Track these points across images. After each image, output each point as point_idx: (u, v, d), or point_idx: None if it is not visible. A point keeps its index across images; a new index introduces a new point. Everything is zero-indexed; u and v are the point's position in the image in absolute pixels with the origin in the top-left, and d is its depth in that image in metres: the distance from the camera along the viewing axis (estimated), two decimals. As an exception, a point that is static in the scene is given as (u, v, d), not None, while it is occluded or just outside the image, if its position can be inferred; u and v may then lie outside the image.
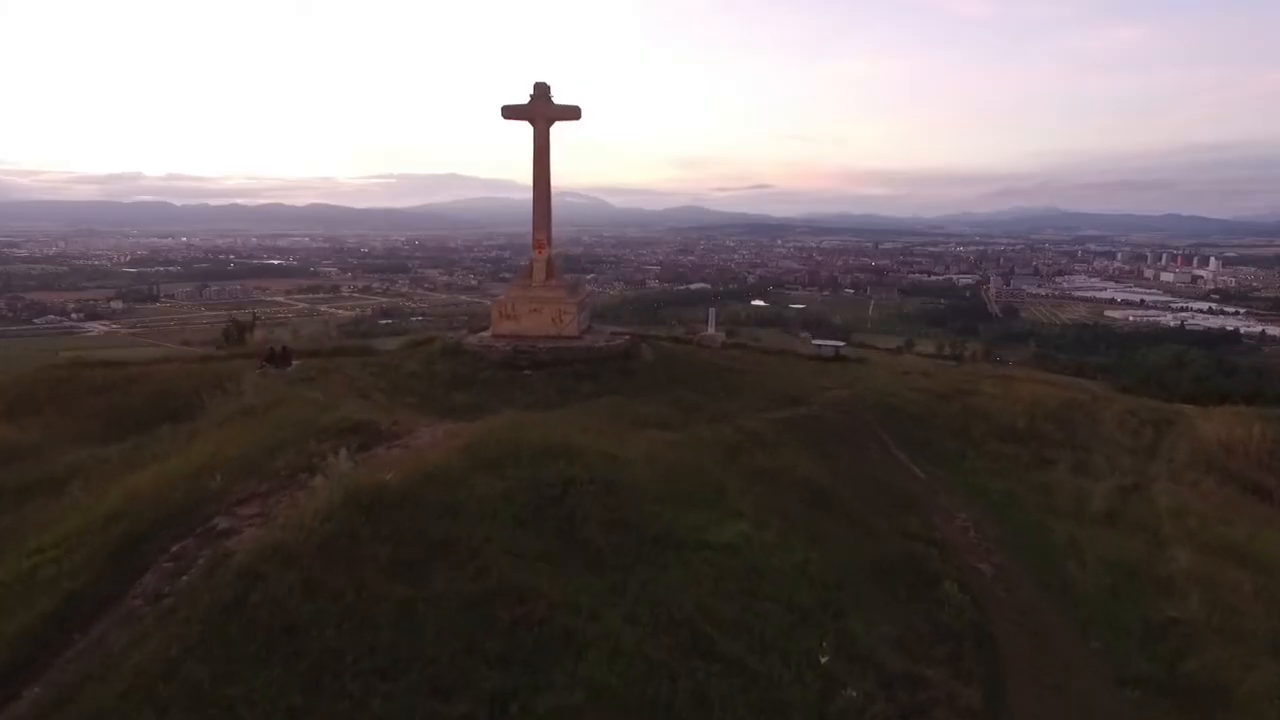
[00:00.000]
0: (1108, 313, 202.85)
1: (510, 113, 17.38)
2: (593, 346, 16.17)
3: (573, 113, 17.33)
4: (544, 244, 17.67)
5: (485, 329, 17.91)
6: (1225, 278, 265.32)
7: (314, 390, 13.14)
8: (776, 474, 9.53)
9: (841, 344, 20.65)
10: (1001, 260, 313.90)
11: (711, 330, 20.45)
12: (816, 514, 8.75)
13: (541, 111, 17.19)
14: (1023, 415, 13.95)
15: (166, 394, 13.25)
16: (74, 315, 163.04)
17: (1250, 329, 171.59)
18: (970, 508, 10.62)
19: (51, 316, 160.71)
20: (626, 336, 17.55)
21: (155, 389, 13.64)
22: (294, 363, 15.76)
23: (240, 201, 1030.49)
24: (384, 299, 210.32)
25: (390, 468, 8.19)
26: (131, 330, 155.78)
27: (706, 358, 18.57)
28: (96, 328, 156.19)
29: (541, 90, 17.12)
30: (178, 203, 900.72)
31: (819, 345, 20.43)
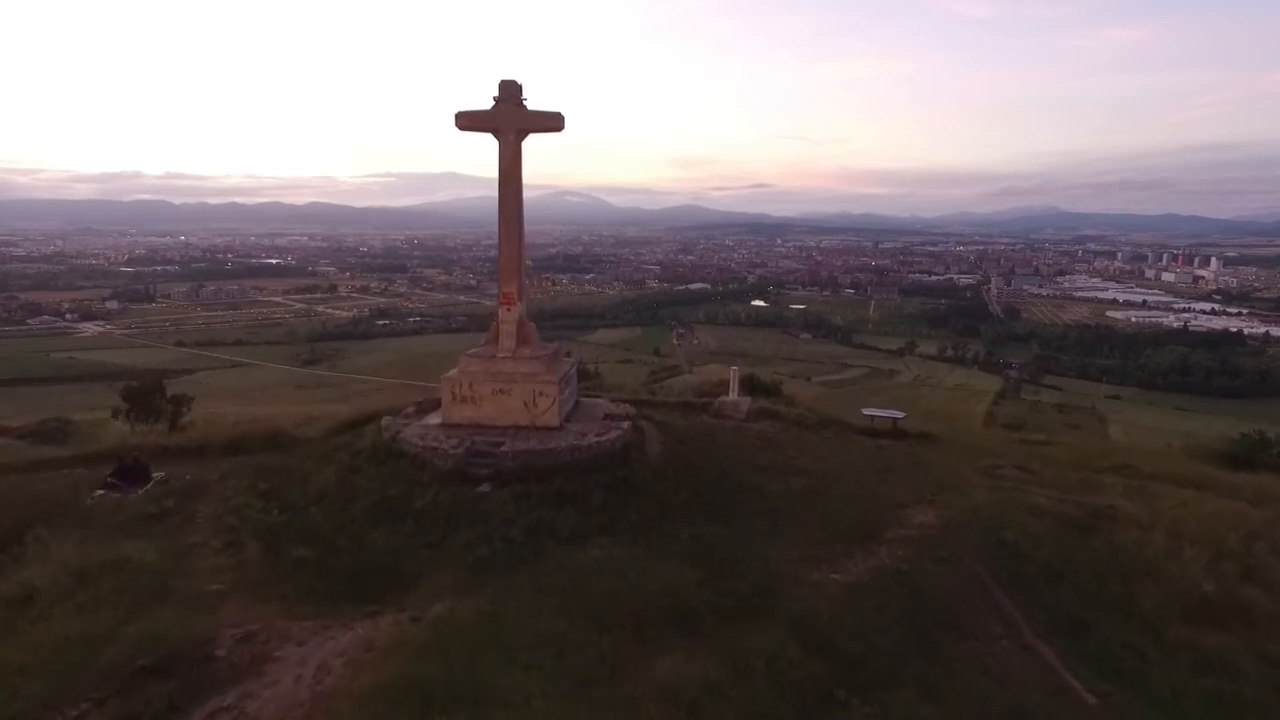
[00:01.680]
0: (1110, 313, 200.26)
1: (469, 121, 12.83)
2: (578, 446, 11.59)
3: (552, 122, 12.92)
4: (514, 298, 13.07)
5: (436, 408, 13.42)
6: (1227, 278, 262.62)
7: (154, 542, 8.90)
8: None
9: (900, 414, 15.94)
10: (1002, 260, 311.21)
11: (733, 395, 15.80)
12: None
13: (510, 120, 12.71)
14: (1204, 568, 9.45)
15: None
16: (68, 316, 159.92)
17: (1254, 330, 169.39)
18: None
19: (46, 317, 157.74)
20: (625, 422, 12.83)
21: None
22: (154, 477, 11.31)
23: (239, 200, 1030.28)
24: (382, 299, 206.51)
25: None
26: (126, 331, 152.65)
27: (731, 444, 13.76)
28: (91, 328, 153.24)
29: (510, 91, 12.68)
30: (176, 201, 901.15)
31: (871, 415, 15.73)
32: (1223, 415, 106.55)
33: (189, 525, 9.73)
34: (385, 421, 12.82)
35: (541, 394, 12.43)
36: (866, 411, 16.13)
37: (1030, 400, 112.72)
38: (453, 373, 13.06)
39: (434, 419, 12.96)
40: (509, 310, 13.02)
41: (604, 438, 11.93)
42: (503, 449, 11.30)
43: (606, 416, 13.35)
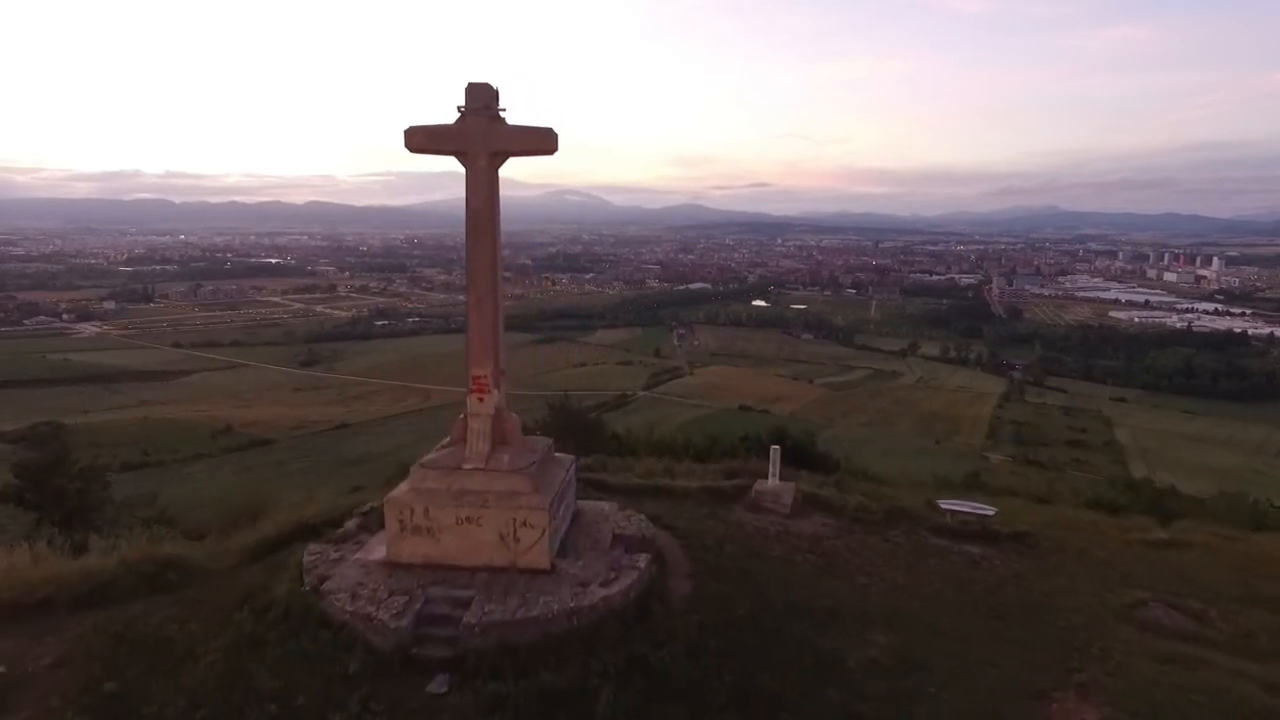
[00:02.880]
0: (1112, 313, 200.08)
1: (425, 140, 9.19)
2: (577, 609, 8.23)
3: (540, 141, 9.25)
4: (488, 385, 9.48)
5: (381, 531, 9.78)
6: (1229, 278, 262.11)
7: None
8: None
9: (988, 510, 13.19)
10: (1003, 259, 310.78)
11: (774, 480, 13.24)
12: None
13: (482, 138, 9.04)
14: None
15: None
16: (66, 316, 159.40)
17: (1258, 331, 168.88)
18: None
19: (42, 317, 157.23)
20: (641, 558, 9.37)
21: None
22: None
23: (239, 199, 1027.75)
24: (381, 299, 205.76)
25: None
26: (123, 332, 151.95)
27: (781, 566, 10.62)
28: (88, 329, 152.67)
29: (482, 99, 9.05)
30: (176, 200, 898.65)
31: (950, 509, 13.08)
32: (1230, 419, 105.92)
33: None
34: (309, 560, 9.14)
35: (526, 524, 8.94)
36: (945, 505, 13.60)
37: (1035, 403, 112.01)
38: (400, 490, 9.27)
39: (379, 549, 9.35)
40: (482, 401, 9.44)
41: (613, 589, 8.59)
42: (467, 618, 7.94)
43: (615, 541, 9.88)
